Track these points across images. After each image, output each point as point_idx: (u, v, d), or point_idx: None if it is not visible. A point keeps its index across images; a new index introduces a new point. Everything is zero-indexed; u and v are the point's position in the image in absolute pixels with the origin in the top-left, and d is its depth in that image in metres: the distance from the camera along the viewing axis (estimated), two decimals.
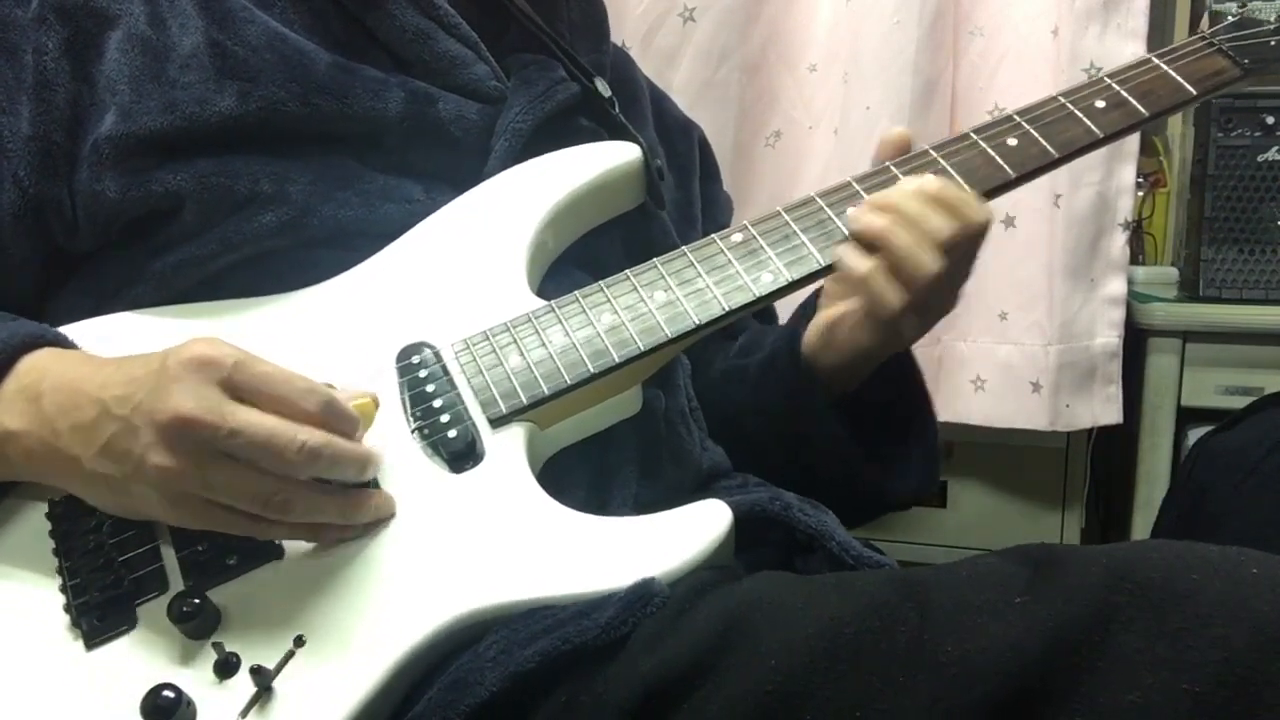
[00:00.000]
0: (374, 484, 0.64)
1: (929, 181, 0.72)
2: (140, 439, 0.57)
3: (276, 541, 0.62)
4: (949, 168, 0.76)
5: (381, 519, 0.63)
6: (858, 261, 0.72)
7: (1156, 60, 0.81)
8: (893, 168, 0.76)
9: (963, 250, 0.73)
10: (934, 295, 0.73)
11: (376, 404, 0.65)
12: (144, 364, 0.59)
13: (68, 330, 0.70)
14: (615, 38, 0.96)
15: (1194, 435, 1.52)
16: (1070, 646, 0.49)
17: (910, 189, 0.72)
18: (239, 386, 0.58)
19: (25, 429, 0.61)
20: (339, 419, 0.61)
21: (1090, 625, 0.50)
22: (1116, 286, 1.53)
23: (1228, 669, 0.47)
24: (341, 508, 0.61)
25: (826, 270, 0.73)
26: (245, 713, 0.57)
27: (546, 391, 0.68)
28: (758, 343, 0.90)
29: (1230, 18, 0.83)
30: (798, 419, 0.82)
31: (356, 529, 0.62)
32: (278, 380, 0.59)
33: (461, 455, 0.66)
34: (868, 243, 0.72)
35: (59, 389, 0.61)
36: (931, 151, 0.76)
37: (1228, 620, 0.49)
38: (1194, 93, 0.79)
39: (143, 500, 0.59)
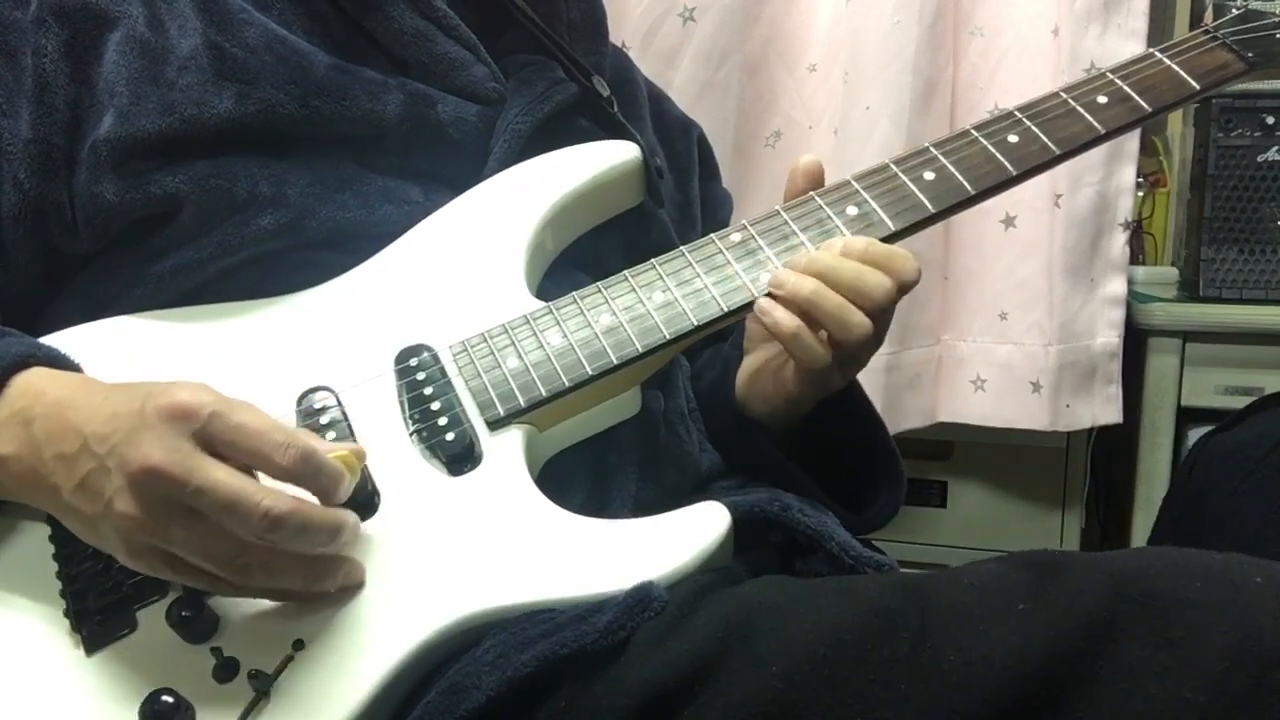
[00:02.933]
0: (374, 495, 0.64)
1: (856, 241, 0.71)
2: (111, 482, 0.56)
3: None
4: (949, 165, 0.75)
5: (351, 585, 0.60)
6: (784, 318, 0.70)
7: (1159, 55, 0.80)
8: (892, 165, 0.75)
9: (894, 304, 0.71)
10: (863, 349, 0.72)
11: (360, 457, 0.61)
12: (127, 401, 0.57)
13: (67, 335, 0.71)
14: (615, 38, 0.96)
15: (1194, 435, 1.52)
16: (1073, 654, 0.49)
17: (839, 250, 0.70)
18: (213, 438, 0.55)
19: (15, 453, 0.60)
20: (317, 474, 0.58)
21: (1093, 633, 0.50)
22: (1116, 286, 1.53)
23: (1231, 678, 0.47)
24: (305, 575, 0.59)
25: None
26: (244, 717, 0.57)
27: (544, 394, 0.68)
28: (710, 363, 0.89)
29: (1234, 11, 0.82)
30: (745, 454, 0.82)
31: (324, 594, 0.60)
32: (253, 433, 0.56)
33: (459, 458, 0.66)
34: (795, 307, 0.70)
35: (50, 415, 0.59)
36: (932, 149, 0.76)
37: (1231, 629, 0.49)
38: (1197, 87, 0.79)
39: (109, 541, 0.58)
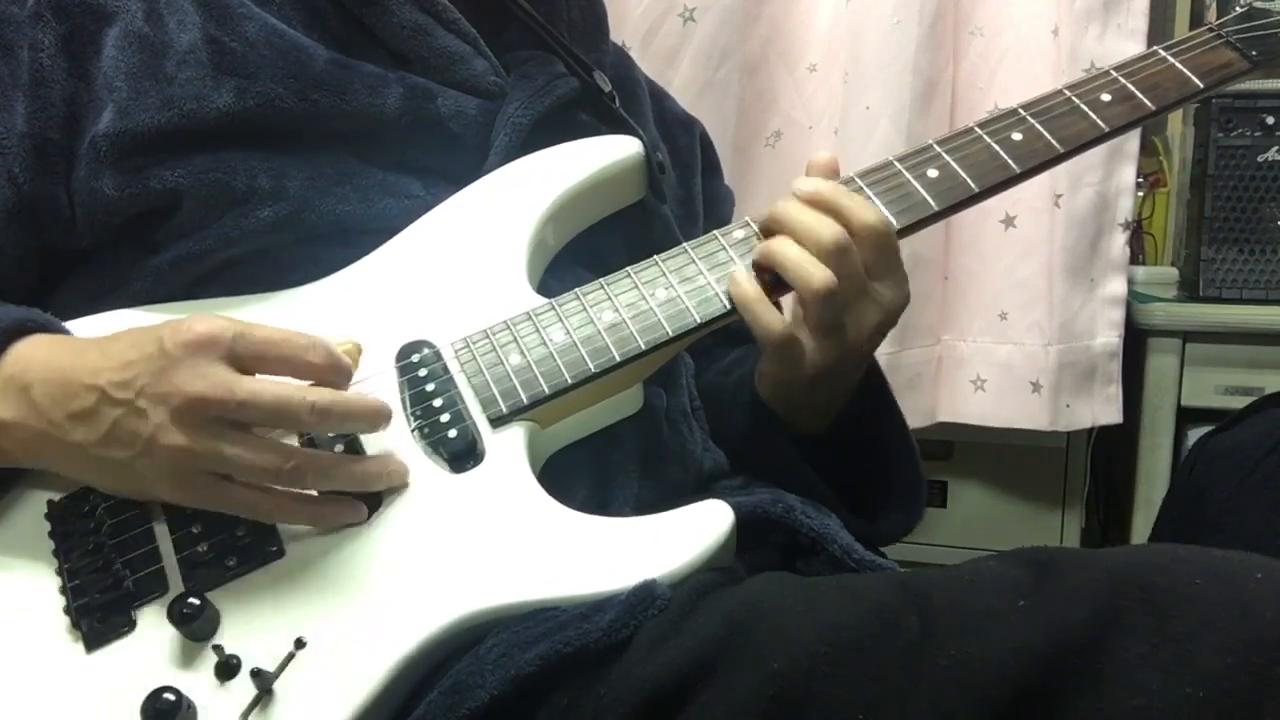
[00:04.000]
0: (376, 493, 0.64)
1: (805, 182, 0.72)
2: (149, 420, 0.58)
3: (273, 546, 0.62)
4: (952, 162, 0.75)
5: (398, 483, 0.64)
6: (775, 321, 0.70)
7: (1163, 53, 0.80)
8: (896, 163, 0.75)
9: (867, 259, 0.70)
10: (829, 310, 0.70)
11: (359, 350, 0.67)
12: (137, 347, 0.60)
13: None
14: (615, 38, 0.96)
15: (1194, 435, 1.52)
16: (1072, 651, 0.49)
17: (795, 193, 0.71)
18: (242, 357, 0.59)
19: (17, 419, 0.61)
20: (339, 369, 0.62)
21: (1092, 629, 0.49)
22: (1116, 286, 1.53)
23: (1231, 674, 0.47)
24: (354, 473, 0.62)
25: None
26: (246, 715, 0.56)
27: (547, 391, 0.68)
28: (742, 360, 0.88)
29: (1238, 8, 0.82)
30: (764, 453, 0.81)
31: (360, 517, 0.62)
32: (279, 342, 0.60)
33: (462, 455, 0.66)
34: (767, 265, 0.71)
35: (47, 379, 0.61)
36: (936, 146, 0.76)
37: (1231, 625, 0.48)
38: (1201, 85, 0.78)
39: (150, 480, 0.60)
